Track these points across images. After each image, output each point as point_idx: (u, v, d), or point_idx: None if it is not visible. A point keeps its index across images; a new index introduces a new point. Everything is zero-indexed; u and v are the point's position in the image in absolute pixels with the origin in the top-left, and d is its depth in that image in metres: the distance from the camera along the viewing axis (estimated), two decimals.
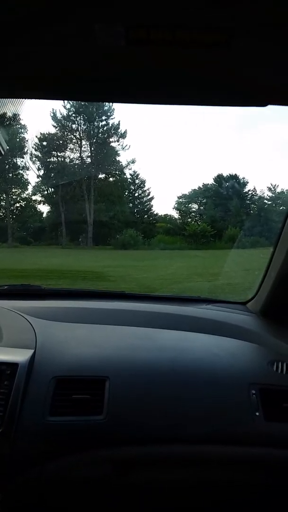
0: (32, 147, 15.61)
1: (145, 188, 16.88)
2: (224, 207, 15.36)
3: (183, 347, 1.36)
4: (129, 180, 16.77)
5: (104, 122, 15.78)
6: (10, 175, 15.34)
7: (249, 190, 16.04)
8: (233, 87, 0.89)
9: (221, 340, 1.44)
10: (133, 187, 16.88)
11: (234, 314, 1.66)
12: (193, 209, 16.76)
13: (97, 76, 0.86)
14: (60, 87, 0.92)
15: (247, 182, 16.03)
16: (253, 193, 15.98)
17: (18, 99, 1.03)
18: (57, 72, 0.85)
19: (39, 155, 15.71)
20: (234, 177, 16.23)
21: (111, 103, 15.31)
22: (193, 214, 16.57)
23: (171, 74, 0.84)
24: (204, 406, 1.16)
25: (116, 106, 15.84)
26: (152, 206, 16.89)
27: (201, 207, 16.63)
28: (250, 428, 1.13)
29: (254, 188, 16.05)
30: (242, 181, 16.12)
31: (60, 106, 15.49)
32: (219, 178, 16.59)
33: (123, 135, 15.79)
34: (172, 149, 22.71)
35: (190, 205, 16.83)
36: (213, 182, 16.75)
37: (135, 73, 0.85)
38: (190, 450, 1.13)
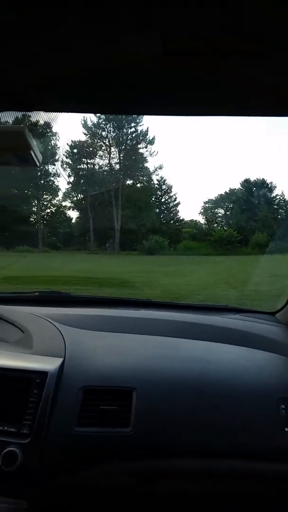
0: (63, 154, 16.07)
1: (171, 194, 16.90)
2: (251, 212, 15.05)
3: (210, 358, 1.34)
4: (156, 186, 16.86)
5: (133, 129, 16.00)
6: (42, 181, 15.83)
7: (276, 195, 15.65)
8: (269, 96, 0.88)
9: (249, 352, 1.40)
10: (159, 193, 16.93)
11: (262, 324, 1.62)
12: (219, 214, 16.57)
13: (132, 89, 0.86)
14: (93, 99, 0.93)
15: (275, 187, 15.66)
16: (282, 198, 15.58)
17: (53, 114, 1.07)
18: (91, 84, 0.86)
19: (70, 162, 16.15)
20: (261, 182, 15.90)
21: (142, 115, 15.51)
22: (219, 219, 16.37)
23: (207, 84, 0.84)
24: (231, 419, 1.13)
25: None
26: (178, 211, 16.87)
27: (227, 212, 16.40)
28: (279, 443, 1.10)
29: (282, 192, 15.65)
30: (269, 186, 15.77)
31: (91, 114, 15.86)
32: (246, 183, 16.30)
33: (151, 142, 15.93)
34: (199, 154, 22.61)
35: (216, 210, 16.66)
36: (240, 187, 16.49)
37: (171, 85, 0.84)
38: (217, 464, 1.10)
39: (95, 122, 15.82)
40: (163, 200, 16.98)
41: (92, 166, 16.15)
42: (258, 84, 0.84)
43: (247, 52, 0.71)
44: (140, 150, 16.17)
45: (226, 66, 0.77)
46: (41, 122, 1.12)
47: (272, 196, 15.62)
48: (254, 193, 15.87)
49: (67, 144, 16.70)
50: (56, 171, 16.02)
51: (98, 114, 15.70)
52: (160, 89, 0.88)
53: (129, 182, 16.46)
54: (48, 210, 16.28)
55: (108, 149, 15.88)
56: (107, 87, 0.89)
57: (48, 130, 13.89)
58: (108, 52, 0.74)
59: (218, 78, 0.83)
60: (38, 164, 1.02)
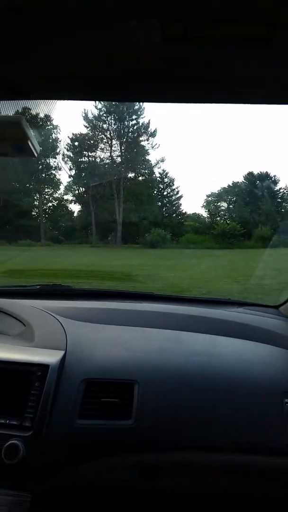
0: (64, 148, 16.01)
1: (174, 187, 16.83)
2: (254, 206, 14.98)
3: (213, 351, 1.33)
4: (158, 179, 16.79)
5: (134, 121, 15.89)
6: (43, 175, 15.79)
7: (280, 188, 15.56)
8: (274, 84, 0.85)
9: (253, 345, 1.39)
10: (162, 186, 16.87)
11: (266, 318, 1.60)
12: (222, 208, 16.51)
13: (131, 75, 0.84)
14: (93, 87, 0.91)
15: (279, 180, 15.56)
16: (285, 191, 15.48)
17: (51, 100, 1.04)
18: (90, 71, 0.84)
19: (71, 155, 16.09)
20: (265, 175, 15.80)
21: (141, 102, 15.39)
22: (222, 212, 16.31)
23: (208, 71, 0.81)
24: (234, 414, 1.12)
25: (146, 105, 15.90)
26: (180, 204, 16.83)
27: (230, 206, 16.33)
28: (282, 438, 1.09)
29: (286, 185, 15.56)
30: (273, 179, 15.67)
31: (91, 107, 15.78)
32: (249, 176, 16.21)
33: (153, 134, 15.82)
34: (201, 146, 22.46)
35: (219, 203, 16.59)
36: (243, 180, 16.40)
37: (171, 71, 0.82)
38: (219, 458, 1.10)
39: (96, 114, 15.73)
40: (165, 193, 16.92)
41: (93, 159, 16.09)
42: (261, 71, 0.82)
43: (249, 37, 0.68)
44: (142, 143, 16.08)
45: (228, 52, 0.75)
46: (39, 111, 1.10)
47: (275, 189, 15.55)
48: (258, 186, 15.79)
49: (68, 137, 16.66)
50: (57, 164, 15.99)
51: (99, 107, 15.58)
52: (160, 76, 0.86)
53: (130, 175, 16.41)
54: (50, 204, 16.30)
55: (109, 142, 15.80)
56: (107, 74, 0.87)
57: (46, 120, 13.84)
58: (107, 39, 0.72)
59: (219, 65, 0.80)
60: (36, 154, 1.01)
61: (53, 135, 15.53)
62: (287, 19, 0.62)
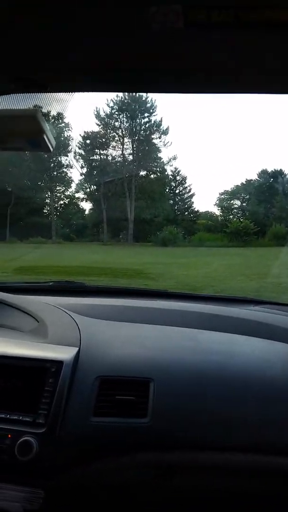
0: (76, 145, 16.10)
1: (186, 185, 16.79)
2: (268, 203, 14.80)
3: (230, 350, 1.29)
4: (170, 177, 16.77)
5: (146, 119, 15.87)
6: (55, 173, 15.92)
7: None
8: None
9: (271, 344, 1.35)
10: (174, 184, 16.83)
11: (283, 316, 1.56)
12: (235, 206, 16.37)
13: (151, 65, 0.81)
14: (111, 77, 0.88)
15: None
16: None
17: (64, 97, 1.02)
18: (109, 61, 0.81)
19: (83, 153, 16.20)
20: (279, 172, 15.59)
21: (153, 99, 15.38)
22: (235, 210, 16.18)
23: (231, 60, 0.77)
24: (252, 413, 1.09)
25: (159, 103, 15.85)
26: (192, 203, 16.78)
27: (244, 204, 16.18)
28: None
29: None
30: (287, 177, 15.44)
31: (103, 104, 15.86)
32: (263, 173, 16.02)
33: (165, 132, 15.78)
34: (214, 144, 22.28)
35: (232, 201, 16.46)
36: (257, 178, 16.22)
37: (193, 60, 0.79)
38: (235, 458, 1.07)
39: (108, 112, 15.77)
40: (177, 191, 16.89)
41: (105, 157, 16.18)
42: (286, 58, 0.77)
43: (276, 23, 0.63)
44: (154, 141, 16.05)
45: (251, 39, 0.70)
46: (52, 108, 1.09)
47: None
48: (272, 183, 15.59)
49: (80, 135, 16.72)
50: (69, 162, 16.10)
51: (111, 105, 15.61)
52: (182, 65, 0.83)
53: (142, 173, 16.42)
54: (62, 202, 16.45)
55: (121, 140, 15.83)
56: (126, 65, 0.84)
57: (58, 118, 13.91)
58: (126, 27, 0.69)
59: (241, 53, 0.76)
60: (51, 149, 0.99)
61: (65, 133, 15.65)
62: None
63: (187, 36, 0.70)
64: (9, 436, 1.02)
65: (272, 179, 15.68)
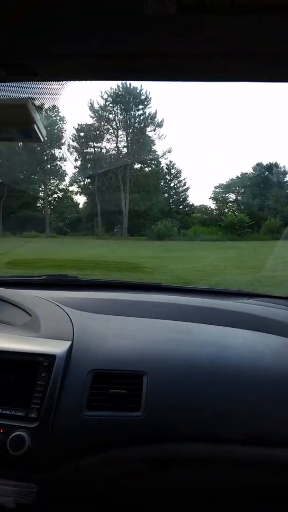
0: (70, 138, 15.94)
1: (181, 178, 16.73)
2: (263, 197, 14.84)
3: (224, 343, 1.29)
4: (165, 170, 16.69)
5: (140, 111, 15.73)
6: (49, 166, 15.76)
7: None
8: None
9: (264, 336, 1.36)
10: (168, 177, 16.76)
11: (277, 309, 1.56)
12: (230, 199, 16.38)
13: (145, 51, 0.79)
14: (103, 65, 0.86)
15: None
16: None
17: (56, 88, 1.00)
18: (101, 47, 0.79)
19: (77, 145, 16.04)
20: (274, 165, 15.60)
21: (147, 91, 15.24)
22: (230, 204, 16.20)
23: (226, 46, 0.75)
24: (246, 405, 1.10)
25: (153, 95, 15.72)
26: (187, 196, 16.74)
27: (239, 197, 16.20)
28: None
29: None
30: (283, 170, 15.47)
31: (97, 96, 15.68)
32: (258, 167, 16.02)
33: (159, 124, 15.66)
34: (209, 137, 22.21)
35: (227, 195, 16.46)
36: (252, 171, 16.22)
37: (187, 46, 0.77)
38: (229, 450, 1.07)
39: (102, 104, 15.61)
40: (172, 184, 16.83)
41: (99, 150, 16.04)
42: (285, 45, 0.75)
43: (274, 7, 0.61)
44: (148, 133, 15.95)
45: (246, 23, 0.68)
46: (45, 100, 1.06)
47: (286, 180, 15.37)
48: (267, 177, 15.61)
49: (74, 127, 16.56)
50: (63, 155, 15.95)
51: (105, 96, 15.45)
52: (172, 52, 0.81)
53: (137, 166, 16.32)
54: (55, 195, 16.32)
55: (115, 132, 15.70)
56: (119, 50, 0.82)
57: (52, 109, 13.73)
58: (118, 11, 0.67)
59: (237, 39, 0.74)
60: (42, 139, 0.98)
61: (59, 125, 15.47)
62: None
63: (181, 22, 0.68)
64: (1, 430, 1.01)
65: (267, 172, 15.70)
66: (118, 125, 15.74)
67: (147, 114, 15.75)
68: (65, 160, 16.07)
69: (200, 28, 0.71)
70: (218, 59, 0.82)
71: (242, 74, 0.91)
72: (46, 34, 0.76)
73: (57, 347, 1.16)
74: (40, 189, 16.00)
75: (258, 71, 0.89)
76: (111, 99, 15.46)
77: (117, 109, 15.66)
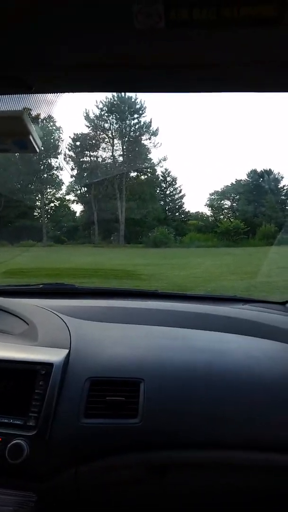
0: (66, 147, 16.02)
1: (176, 186, 16.81)
2: (258, 203, 14.94)
3: (219, 349, 1.31)
4: (160, 177, 16.78)
5: (136, 121, 15.87)
6: (45, 175, 15.81)
7: (284, 186, 15.52)
8: (284, 70, 0.82)
9: (259, 342, 1.37)
10: (164, 185, 16.85)
11: (272, 314, 1.58)
12: (226, 206, 16.47)
13: (134, 64, 0.82)
14: (96, 77, 0.88)
15: (282, 177, 15.51)
16: None
17: (51, 98, 1.02)
18: (94, 60, 0.81)
19: (73, 155, 16.12)
20: (268, 172, 15.75)
21: (142, 100, 15.41)
22: (225, 211, 16.28)
23: (216, 58, 0.78)
24: (242, 411, 1.10)
25: (148, 104, 15.89)
26: (183, 203, 16.80)
27: (234, 204, 16.29)
28: None
29: None
30: (277, 176, 15.63)
31: (93, 106, 15.82)
32: (253, 173, 16.16)
33: (154, 133, 15.80)
34: (204, 145, 22.39)
35: (222, 201, 16.55)
36: (247, 178, 16.35)
37: (178, 59, 0.79)
38: (227, 455, 1.08)
39: (98, 114, 15.73)
40: (168, 192, 16.92)
41: (95, 159, 16.12)
42: (272, 56, 0.78)
43: (260, 20, 0.64)
44: (144, 142, 16.07)
45: (235, 37, 0.71)
46: (40, 110, 1.08)
47: (280, 186, 15.51)
48: (261, 184, 15.74)
49: (70, 137, 16.67)
50: (59, 164, 16.01)
51: (100, 106, 15.58)
52: (163, 65, 0.83)
53: (133, 174, 16.40)
54: (52, 204, 16.32)
55: (111, 141, 15.81)
56: (111, 63, 0.84)
57: (48, 120, 13.83)
58: (109, 26, 0.69)
59: (225, 51, 0.77)
60: (37, 150, 0.99)
61: (55, 134, 15.56)
62: None
63: (172, 35, 0.70)
64: (0, 439, 1.02)
65: (261, 179, 15.84)
66: (113, 134, 15.88)
67: (142, 123, 15.90)
68: (61, 169, 16.19)
69: (190, 41, 0.73)
70: (211, 71, 0.85)
71: (235, 85, 0.94)
72: (40, 47, 0.77)
73: (55, 355, 1.16)
74: (37, 198, 16.03)
75: (250, 81, 0.91)
76: (106, 109, 15.61)
77: (113, 118, 15.81)
